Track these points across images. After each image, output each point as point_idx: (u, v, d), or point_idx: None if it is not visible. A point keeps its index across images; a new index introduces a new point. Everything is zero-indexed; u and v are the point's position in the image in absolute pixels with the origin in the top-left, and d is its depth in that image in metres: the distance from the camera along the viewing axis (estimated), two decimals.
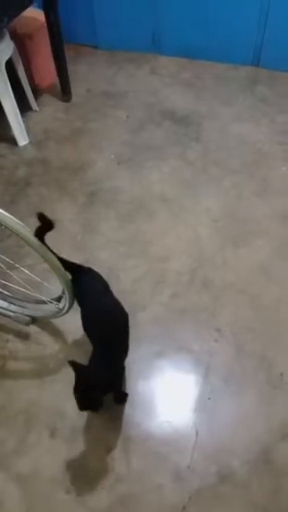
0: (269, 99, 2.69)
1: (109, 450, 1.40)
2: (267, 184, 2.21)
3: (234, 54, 2.91)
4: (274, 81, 2.82)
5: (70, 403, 1.48)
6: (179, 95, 2.77)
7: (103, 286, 1.44)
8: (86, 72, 2.96)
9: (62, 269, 1.31)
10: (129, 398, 1.51)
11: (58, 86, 2.70)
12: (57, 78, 2.67)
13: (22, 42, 2.42)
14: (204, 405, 1.49)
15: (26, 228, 1.19)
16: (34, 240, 1.20)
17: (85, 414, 1.47)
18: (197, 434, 1.43)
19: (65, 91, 2.71)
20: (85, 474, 1.36)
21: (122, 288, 1.80)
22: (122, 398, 1.50)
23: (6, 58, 2.17)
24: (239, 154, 2.36)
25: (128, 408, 1.50)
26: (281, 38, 2.77)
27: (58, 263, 1.29)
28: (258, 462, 1.38)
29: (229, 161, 2.33)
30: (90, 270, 1.44)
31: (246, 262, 1.90)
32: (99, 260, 1.90)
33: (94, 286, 1.41)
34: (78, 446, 1.41)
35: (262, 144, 2.42)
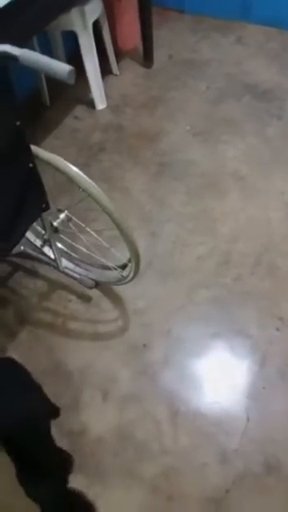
0: None
1: (157, 422, 1.42)
2: None
3: None
4: None
5: (124, 370, 1.52)
6: (264, 68, 2.61)
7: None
8: (170, 38, 2.86)
9: (132, 237, 1.30)
10: (180, 374, 1.51)
11: (141, 50, 2.64)
12: (140, 42, 2.60)
13: (110, 3, 2.37)
14: (258, 393, 1.46)
15: (100, 191, 1.18)
16: (109, 205, 1.20)
17: (137, 382, 1.49)
18: (248, 420, 1.40)
19: (147, 56, 2.64)
20: (132, 442, 1.39)
21: (185, 264, 1.78)
22: None
23: (95, 18, 2.14)
24: None
25: (179, 384, 1.50)
26: None
27: (129, 231, 1.28)
28: None
29: None
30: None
31: None
32: (165, 233, 1.88)
33: None
34: (128, 413, 1.44)
35: None
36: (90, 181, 1.15)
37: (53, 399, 1.28)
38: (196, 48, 2.79)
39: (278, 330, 1.60)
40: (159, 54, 2.70)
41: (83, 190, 1.17)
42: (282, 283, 1.72)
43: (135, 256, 1.35)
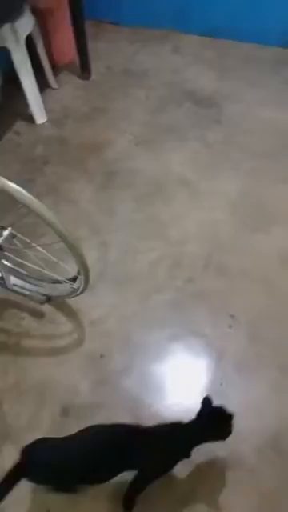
0: None
1: None
2: None
3: (260, 34, 2.82)
4: None
5: (84, 382, 1.51)
6: (202, 75, 2.70)
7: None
8: (107, 49, 2.90)
9: (79, 249, 1.30)
10: (141, 380, 1.52)
11: (78, 63, 2.66)
12: (76, 55, 2.62)
13: (42, 18, 2.37)
14: (216, 389, 1.50)
15: (41, 205, 1.17)
16: (52, 218, 1.19)
17: (98, 393, 1.49)
18: None
19: (84, 69, 2.66)
20: None
21: (138, 270, 1.80)
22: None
23: (27, 33, 2.13)
24: (262, 138, 2.31)
25: (140, 389, 1.51)
26: None
27: (75, 243, 1.28)
28: (268, 449, 1.38)
29: (251, 145, 2.28)
30: None
31: (262, 248, 1.87)
32: (116, 242, 1.89)
33: None
34: (89, 421, 1.42)
35: (285, 128, 2.36)
36: (29, 195, 1.14)
37: (12, 419, 1.26)
38: (134, 59, 2.84)
39: (230, 327, 1.64)
40: (97, 66, 2.73)
41: (24, 206, 1.16)
42: (232, 281, 1.78)
43: (84, 268, 1.35)
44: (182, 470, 1.33)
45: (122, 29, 3.05)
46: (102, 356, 1.58)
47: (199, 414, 1.24)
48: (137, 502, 1.26)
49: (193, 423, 1.23)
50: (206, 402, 1.25)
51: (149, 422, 1.41)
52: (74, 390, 1.50)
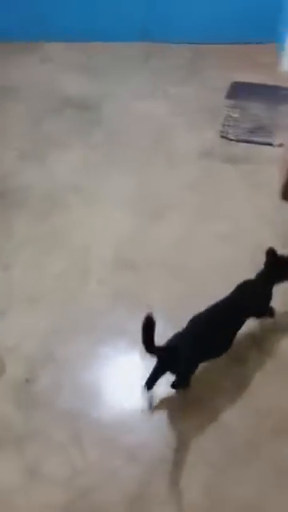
0: (161, 72, 2.73)
1: (62, 448, 1.39)
2: (172, 156, 2.27)
3: (123, 33, 2.90)
4: (164, 53, 2.86)
5: (14, 411, 1.45)
6: (75, 80, 2.72)
7: None
8: None
9: None
10: (74, 393, 1.50)
11: None
12: None
13: None
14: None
15: None
16: None
17: (32, 419, 1.44)
18: (148, 408, 1.45)
19: None
20: (41, 479, 1.33)
21: (48, 285, 1.77)
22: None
23: None
24: (141, 131, 2.39)
25: (75, 402, 1.49)
26: (167, 10, 2.81)
27: None
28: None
29: (132, 140, 2.35)
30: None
31: (165, 235, 1.94)
32: (19, 262, 1.84)
33: None
34: (30, 453, 1.38)
35: (161, 118, 2.46)
36: None
37: None
38: (3, 74, 2.78)
39: None
40: None
41: None
42: (142, 274, 1.82)
43: None
44: (129, 466, 1.34)
45: None
46: (27, 380, 1.53)
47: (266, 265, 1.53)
48: None
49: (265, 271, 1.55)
50: (271, 252, 1.51)
51: (88, 432, 1.40)
52: (5, 422, 1.44)
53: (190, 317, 1.65)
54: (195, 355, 1.42)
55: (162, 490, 1.30)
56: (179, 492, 1.28)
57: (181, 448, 1.38)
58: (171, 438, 1.40)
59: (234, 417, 1.42)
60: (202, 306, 1.72)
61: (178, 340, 1.40)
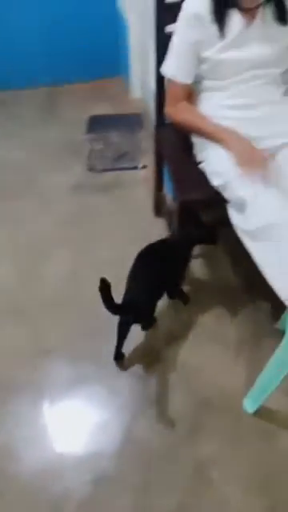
0: (17, 117, 2.77)
1: None
2: (44, 197, 2.29)
3: None
4: (17, 99, 2.92)
5: None
6: None
7: None
8: None
9: None
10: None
11: None
12: None
13: None
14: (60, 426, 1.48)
15: None
16: None
17: None
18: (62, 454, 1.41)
19: None
20: None
21: None
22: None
23: None
24: (7, 180, 2.38)
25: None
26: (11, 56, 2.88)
27: None
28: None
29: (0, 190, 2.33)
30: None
31: (54, 274, 1.93)
32: None
33: None
34: None
35: (25, 162, 2.49)
36: None
37: None
38: None
39: (51, 362, 1.65)
40: None
41: None
42: (37, 317, 1.79)
43: None
44: None
45: None
46: None
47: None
48: None
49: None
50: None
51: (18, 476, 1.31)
52: None
53: (85, 349, 1.65)
54: (150, 298, 1.53)
55: None
56: None
57: None
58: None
59: None
60: (94, 341, 1.71)
61: (130, 294, 1.47)
